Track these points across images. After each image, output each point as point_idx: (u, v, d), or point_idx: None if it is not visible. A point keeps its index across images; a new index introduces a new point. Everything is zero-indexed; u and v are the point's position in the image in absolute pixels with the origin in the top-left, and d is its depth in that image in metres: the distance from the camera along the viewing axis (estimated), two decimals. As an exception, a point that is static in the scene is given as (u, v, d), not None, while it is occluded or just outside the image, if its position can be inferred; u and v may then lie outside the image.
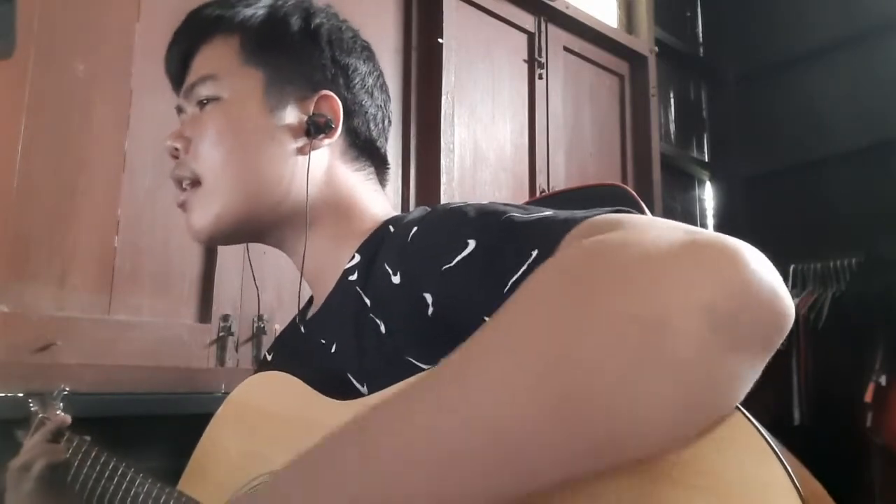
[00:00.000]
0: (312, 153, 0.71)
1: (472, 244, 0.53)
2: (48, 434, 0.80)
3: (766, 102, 2.90)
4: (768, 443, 0.36)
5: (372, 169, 0.78)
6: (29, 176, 1.11)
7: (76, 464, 0.77)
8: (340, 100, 0.73)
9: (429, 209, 0.67)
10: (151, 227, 1.24)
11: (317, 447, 0.42)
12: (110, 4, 1.24)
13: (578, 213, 0.49)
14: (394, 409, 0.40)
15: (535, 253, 0.48)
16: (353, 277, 0.67)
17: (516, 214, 0.53)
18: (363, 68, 0.77)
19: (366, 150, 0.77)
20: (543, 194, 1.91)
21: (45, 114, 1.14)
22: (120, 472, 0.74)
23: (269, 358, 0.85)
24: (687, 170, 2.89)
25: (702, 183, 2.99)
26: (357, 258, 0.68)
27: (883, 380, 2.13)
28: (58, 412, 0.84)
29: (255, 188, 0.70)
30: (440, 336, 0.54)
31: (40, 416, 0.84)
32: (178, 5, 0.76)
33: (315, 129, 0.71)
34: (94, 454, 0.77)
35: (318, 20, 0.74)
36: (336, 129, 0.72)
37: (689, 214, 2.89)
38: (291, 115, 0.71)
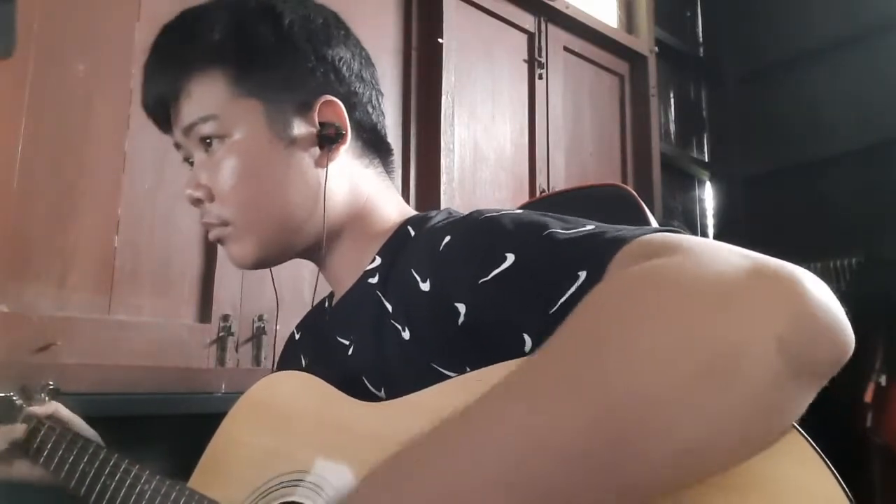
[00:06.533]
0: (331, 164, 0.70)
1: (510, 258, 0.52)
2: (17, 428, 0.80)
3: (766, 102, 2.89)
4: (818, 452, 0.38)
5: (378, 159, 0.77)
6: (29, 176, 1.11)
7: (71, 459, 0.76)
8: (340, 99, 0.70)
9: (455, 214, 0.66)
10: (151, 227, 1.24)
11: (390, 465, 0.42)
12: (110, 4, 1.24)
13: (625, 230, 0.49)
14: (467, 432, 0.40)
15: (583, 274, 0.47)
16: (374, 281, 0.67)
17: (558, 230, 0.52)
18: (347, 54, 0.72)
19: (371, 140, 0.75)
20: (543, 194, 1.91)
21: (45, 114, 1.13)
22: (123, 468, 0.73)
23: (297, 337, 0.85)
24: (687, 170, 2.88)
25: (702, 183, 2.99)
26: (378, 260, 0.69)
27: (883, 380, 2.13)
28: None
29: (286, 217, 0.70)
30: (468, 345, 0.55)
31: (27, 409, 0.84)
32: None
33: (327, 141, 0.69)
34: (91, 450, 0.76)
35: (286, 19, 0.69)
36: (346, 134, 0.70)
37: (689, 214, 2.89)
38: (299, 132, 0.69)
